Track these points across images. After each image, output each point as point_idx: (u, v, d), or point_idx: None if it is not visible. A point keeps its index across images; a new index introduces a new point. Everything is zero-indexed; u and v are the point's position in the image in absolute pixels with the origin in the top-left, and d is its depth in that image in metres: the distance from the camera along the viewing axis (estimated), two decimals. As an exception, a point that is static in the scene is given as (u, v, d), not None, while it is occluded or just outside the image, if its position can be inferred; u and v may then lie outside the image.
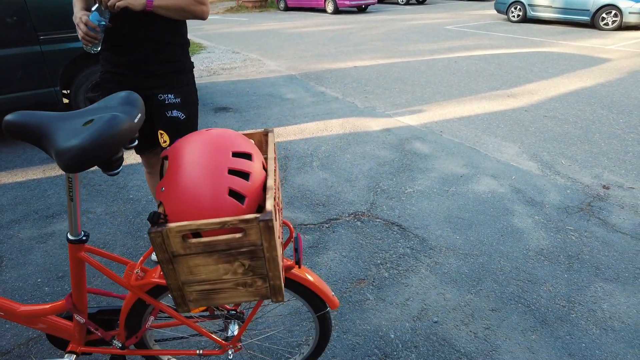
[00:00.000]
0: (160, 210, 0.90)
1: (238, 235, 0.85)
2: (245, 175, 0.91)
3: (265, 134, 1.15)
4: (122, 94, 0.95)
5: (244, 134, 1.16)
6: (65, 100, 3.88)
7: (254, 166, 0.93)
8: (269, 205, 0.85)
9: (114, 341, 1.27)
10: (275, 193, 1.03)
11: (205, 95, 5.22)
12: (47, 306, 1.23)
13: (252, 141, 1.04)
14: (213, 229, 0.84)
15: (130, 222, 2.54)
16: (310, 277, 1.21)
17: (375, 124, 4.11)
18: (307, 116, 4.40)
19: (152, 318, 1.24)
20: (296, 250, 1.15)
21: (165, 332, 1.51)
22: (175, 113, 1.72)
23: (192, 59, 7.56)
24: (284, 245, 1.18)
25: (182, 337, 1.40)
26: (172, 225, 0.83)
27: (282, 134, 3.89)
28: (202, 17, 1.65)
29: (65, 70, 3.71)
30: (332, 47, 8.31)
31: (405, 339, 1.69)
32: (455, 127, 3.99)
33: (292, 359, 1.48)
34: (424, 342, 1.67)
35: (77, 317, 1.22)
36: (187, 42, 1.75)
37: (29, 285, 2.01)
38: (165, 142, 1.75)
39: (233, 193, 0.88)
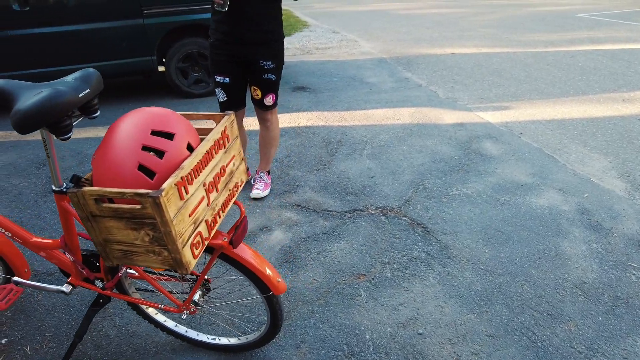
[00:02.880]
0: (88, 175, 1.00)
1: (137, 206, 0.91)
2: (159, 153, 0.96)
3: (221, 117, 1.18)
4: (80, 72, 1.07)
5: (194, 115, 1.20)
6: (161, 68, 4.35)
7: (174, 146, 0.98)
8: (166, 183, 0.89)
9: (96, 281, 1.45)
10: (219, 177, 1.06)
11: (290, 74, 5.39)
12: (49, 241, 1.45)
13: (189, 122, 1.08)
14: (114, 197, 0.91)
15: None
16: (251, 259, 1.23)
17: (449, 117, 3.84)
18: (379, 102, 4.29)
19: (124, 268, 1.39)
20: (235, 229, 1.18)
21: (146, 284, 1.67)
22: (270, 75, 2.25)
23: (293, 37, 7.82)
24: (235, 225, 1.21)
25: (152, 291, 1.54)
26: (85, 189, 0.92)
27: (345, 118, 3.86)
28: None
29: (162, 41, 4.14)
30: (436, 31, 7.86)
31: (379, 342, 1.63)
32: (539, 130, 3.54)
33: (251, 334, 1.53)
34: (398, 351, 1.59)
35: (68, 255, 1.42)
36: (281, 17, 2.20)
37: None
38: (257, 95, 2.30)
39: (143, 168, 0.94)
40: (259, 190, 2.56)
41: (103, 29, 3.93)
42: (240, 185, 1.26)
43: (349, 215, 2.41)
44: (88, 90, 1.03)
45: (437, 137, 3.44)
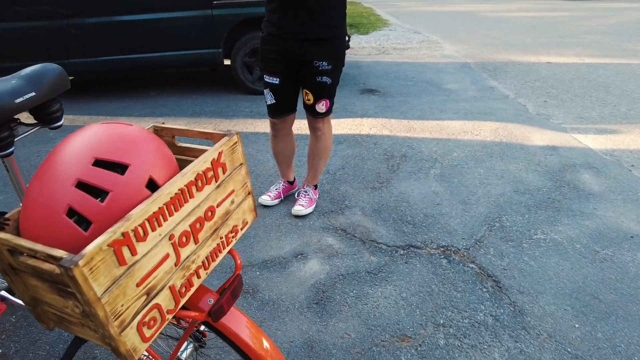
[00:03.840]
0: (15, 212, 0.73)
1: (57, 270, 0.62)
2: (100, 192, 0.66)
3: (221, 137, 0.86)
4: (32, 69, 0.80)
5: (188, 132, 0.89)
6: (227, 62, 4.20)
7: (125, 183, 0.67)
8: (90, 246, 0.58)
9: None
10: (201, 222, 0.76)
11: (360, 75, 5.02)
12: None
13: (163, 146, 0.77)
14: (27, 252, 0.62)
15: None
16: (241, 332, 0.90)
17: (539, 137, 3.24)
18: (457, 112, 3.77)
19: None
20: (222, 292, 0.85)
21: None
22: (324, 79, 1.92)
23: (370, 35, 7.42)
24: (223, 286, 0.90)
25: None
26: (-2, 234, 0.65)
27: (415, 129, 3.41)
28: None
29: (229, 34, 3.99)
30: (530, 36, 7.00)
31: None
32: (659, 164, 2.82)
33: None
34: None
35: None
36: (345, 9, 1.88)
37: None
38: (309, 100, 1.98)
39: (74, 213, 0.65)
40: (302, 206, 2.24)
41: (172, 18, 3.85)
42: (243, 228, 0.94)
43: (402, 252, 2.00)
44: (32, 94, 0.77)
45: (522, 161, 2.88)
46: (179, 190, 0.72)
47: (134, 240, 0.66)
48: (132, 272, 0.66)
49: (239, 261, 0.92)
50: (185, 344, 1.12)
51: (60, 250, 0.59)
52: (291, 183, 2.43)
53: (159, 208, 0.69)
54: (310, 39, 1.83)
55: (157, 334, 0.74)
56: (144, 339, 0.71)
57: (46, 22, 3.76)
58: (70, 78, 4.99)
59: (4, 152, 0.80)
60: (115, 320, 0.65)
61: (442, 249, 2.02)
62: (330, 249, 2.03)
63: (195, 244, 0.79)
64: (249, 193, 0.93)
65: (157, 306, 0.73)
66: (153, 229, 0.69)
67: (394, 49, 6.38)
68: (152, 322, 0.72)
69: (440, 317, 1.64)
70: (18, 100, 0.76)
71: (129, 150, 0.70)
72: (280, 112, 2.05)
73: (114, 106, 4.08)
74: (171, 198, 0.71)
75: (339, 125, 3.50)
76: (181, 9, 3.83)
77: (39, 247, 0.60)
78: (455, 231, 2.15)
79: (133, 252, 0.66)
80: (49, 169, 0.68)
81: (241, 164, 0.89)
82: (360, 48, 6.53)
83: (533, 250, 2.01)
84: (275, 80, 1.96)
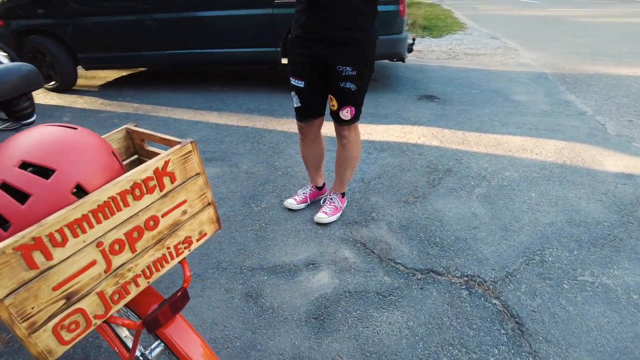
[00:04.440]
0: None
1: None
2: (21, 195, 0.65)
3: (175, 144, 0.83)
4: (2, 67, 0.83)
5: (152, 136, 0.87)
6: (284, 61, 4.24)
7: (48, 188, 0.66)
8: None
9: None
10: (139, 232, 0.74)
11: (422, 79, 4.81)
12: None
13: (104, 151, 0.75)
14: None
15: (254, 188, 2.59)
16: (184, 344, 0.87)
17: (612, 162, 2.85)
18: (520, 127, 3.46)
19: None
20: (161, 303, 0.82)
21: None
22: (348, 85, 1.83)
23: (442, 39, 7.08)
24: (169, 298, 0.86)
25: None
26: None
27: (468, 141, 3.18)
28: None
29: (288, 33, 4.01)
30: (626, 45, 6.23)
31: None
32: None
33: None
34: None
35: None
36: (375, 12, 1.79)
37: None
38: (333, 106, 1.91)
39: (-8, 213, 0.65)
40: (325, 214, 2.18)
41: (234, 16, 3.97)
42: (200, 240, 0.90)
43: (420, 276, 1.86)
44: None
45: (585, 187, 2.55)
46: (109, 198, 0.70)
47: (48, 245, 0.65)
48: (46, 276, 0.66)
49: (188, 273, 0.88)
50: (156, 343, 1.11)
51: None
52: (320, 188, 2.38)
53: (83, 215, 0.68)
54: (333, 42, 1.77)
55: (81, 337, 0.73)
56: (61, 342, 0.70)
57: (123, 17, 4.06)
58: (142, 69, 5.37)
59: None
60: (24, 322, 0.64)
61: (465, 279, 1.84)
62: (344, 262, 1.94)
63: (132, 252, 0.77)
64: (208, 204, 0.89)
65: (80, 310, 0.72)
66: (75, 236, 0.68)
67: (465, 54, 6.04)
68: (72, 325, 0.71)
69: (445, 355, 1.48)
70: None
71: (58, 155, 0.69)
72: (307, 115, 2.01)
73: (177, 97, 4.30)
74: (99, 206, 0.69)
75: (386, 132, 3.37)
76: (243, 7, 3.92)
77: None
78: (486, 260, 1.95)
79: (48, 257, 0.65)
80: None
81: (197, 174, 0.85)
82: (429, 52, 6.26)
83: (574, 294, 1.76)
84: (301, 84, 1.92)
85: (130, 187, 0.73)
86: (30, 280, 0.64)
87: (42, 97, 4.52)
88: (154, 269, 0.82)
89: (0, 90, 0.84)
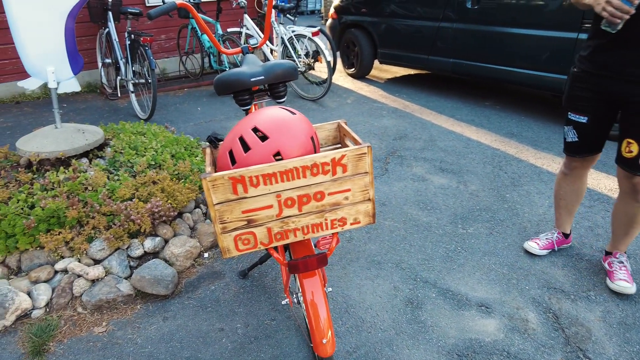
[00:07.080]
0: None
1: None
2: (245, 146, 0.99)
3: (359, 144, 1.01)
4: (274, 62, 1.21)
5: (354, 137, 1.10)
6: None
7: (262, 148, 0.98)
8: (217, 173, 0.93)
9: None
10: (307, 198, 1.00)
11: None
12: None
13: (311, 136, 1.01)
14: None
15: (470, 211, 2.56)
16: (307, 295, 1.09)
17: None
18: None
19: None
20: (306, 256, 1.06)
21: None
22: None
23: None
24: (316, 256, 1.09)
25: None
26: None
27: None
28: None
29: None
30: None
31: None
32: None
33: None
34: None
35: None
36: None
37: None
38: (630, 153, 1.65)
39: (231, 154, 1.02)
40: (627, 282, 1.87)
41: (529, 36, 3.76)
42: (353, 225, 1.08)
43: (609, 385, 1.48)
44: (262, 77, 1.24)
45: None
46: (293, 167, 0.97)
47: (247, 183, 0.96)
48: (240, 202, 0.98)
49: (334, 245, 1.08)
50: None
51: (209, 168, 0.98)
52: (566, 236, 2.13)
53: (273, 172, 0.96)
54: (635, 79, 1.58)
55: (249, 251, 1.05)
56: (236, 248, 1.03)
57: (425, 22, 4.48)
58: (428, 72, 5.75)
59: (244, 107, 1.28)
60: (220, 224, 0.99)
61: None
62: (522, 323, 1.74)
63: (299, 211, 1.03)
64: (369, 199, 1.05)
65: (252, 234, 1.03)
66: (265, 184, 0.97)
67: None
68: (246, 241, 1.03)
69: None
70: (252, 80, 1.19)
71: (274, 129, 1.00)
72: (582, 151, 1.86)
73: (445, 104, 4.49)
74: (285, 170, 0.97)
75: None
76: (547, 27, 3.66)
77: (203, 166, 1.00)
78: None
79: (245, 191, 0.97)
80: (238, 123, 1.07)
81: (366, 172, 1.02)
82: None
83: None
84: (583, 119, 1.78)
85: (310, 165, 0.98)
86: (231, 201, 0.97)
87: (342, 79, 5.54)
88: (310, 230, 1.06)
89: (271, 75, 1.24)
